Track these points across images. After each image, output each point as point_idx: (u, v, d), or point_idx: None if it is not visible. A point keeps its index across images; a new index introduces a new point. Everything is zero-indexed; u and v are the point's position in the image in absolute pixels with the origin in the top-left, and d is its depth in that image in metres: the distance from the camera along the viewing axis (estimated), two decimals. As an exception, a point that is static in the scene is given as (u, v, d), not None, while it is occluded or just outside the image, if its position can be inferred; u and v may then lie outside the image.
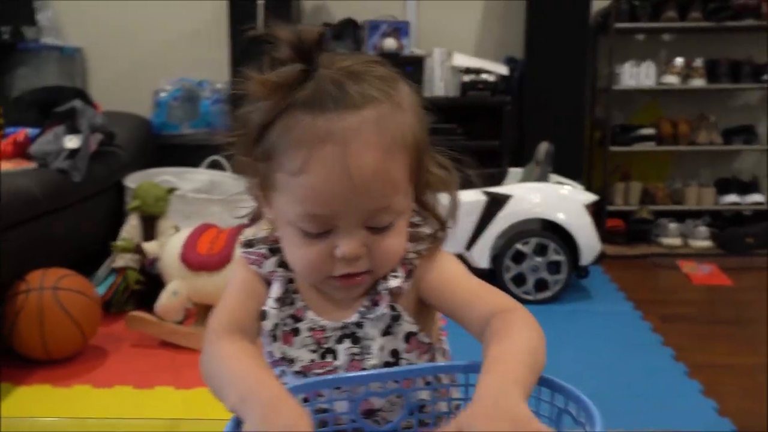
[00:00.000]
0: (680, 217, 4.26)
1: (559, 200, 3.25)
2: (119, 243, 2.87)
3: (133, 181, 3.28)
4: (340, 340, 0.79)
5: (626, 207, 4.31)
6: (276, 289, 0.80)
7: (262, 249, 0.82)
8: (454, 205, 0.82)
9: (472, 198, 3.18)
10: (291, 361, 0.79)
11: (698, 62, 4.22)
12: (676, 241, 4.13)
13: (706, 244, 4.11)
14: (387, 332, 0.78)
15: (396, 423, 0.78)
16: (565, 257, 3.16)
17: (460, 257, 3.17)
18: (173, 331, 2.64)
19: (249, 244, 0.83)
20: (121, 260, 2.91)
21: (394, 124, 0.72)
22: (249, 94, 0.72)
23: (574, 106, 4.06)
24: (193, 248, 2.60)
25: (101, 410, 2.14)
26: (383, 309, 0.77)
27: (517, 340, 0.70)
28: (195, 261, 2.57)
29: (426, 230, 0.83)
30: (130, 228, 2.98)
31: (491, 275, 3.19)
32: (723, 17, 4.08)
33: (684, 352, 2.64)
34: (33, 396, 2.25)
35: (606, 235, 4.05)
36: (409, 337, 0.79)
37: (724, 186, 4.35)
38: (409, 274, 0.79)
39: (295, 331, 0.80)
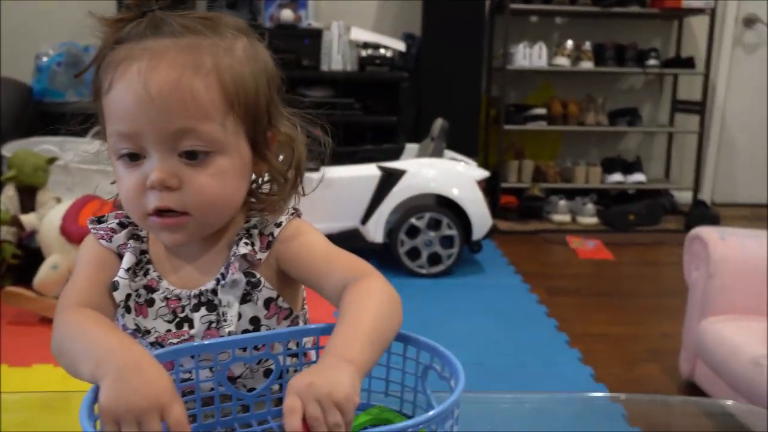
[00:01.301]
0: (570, 194, 4.43)
1: (453, 176, 3.31)
2: (-7, 215, 2.71)
3: (10, 150, 3.09)
4: (196, 309, 0.77)
5: (519, 184, 4.45)
6: (127, 260, 0.77)
7: (112, 224, 0.80)
8: (299, 163, 0.81)
9: (367, 172, 3.20)
10: (146, 333, 0.77)
11: (587, 45, 4.39)
12: (566, 218, 4.30)
13: (592, 220, 4.30)
14: (246, 300, 0.77)
15: (264, 388, 0.77)
16: (457, 232, 3.23)
17: (356, 231, 3.21)
18: (53, 306, 2.51)
19: (98, 220, 0.81)
20: (-4, 233, 2.74)
21: (210, 54, 0.71)
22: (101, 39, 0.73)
23: (470, 84, 4.14)
24: (74, 220, 2.49)
25: (-29, 389, 2.02)
26: (235, 275, 0.76)
27: (365, 312, 0.70)
28: (76, 233, 2.45)
29: (285, 203, 0.81)
30: (6, 199, 2.81)
31: (386, 249, 3.22)
32: (610, 3, 4.25)
33: (566, 322, 2.77)
34: None
35: (499, 211, 4.17)
36: (268, 303, 0.78)
37: (610, 165, 4.56)
38: (268, 246, 0.78)
39: (150, 302, 0.78)
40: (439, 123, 3.46)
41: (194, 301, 0.77)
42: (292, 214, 0.81)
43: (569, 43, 4.39)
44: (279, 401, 0.76)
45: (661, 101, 4.81)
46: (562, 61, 4.37)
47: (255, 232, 0.78)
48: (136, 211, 0.74)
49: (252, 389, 0.78)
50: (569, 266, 3.63)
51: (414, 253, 3.25)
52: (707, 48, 4.41)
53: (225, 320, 0.76)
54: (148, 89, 0.68)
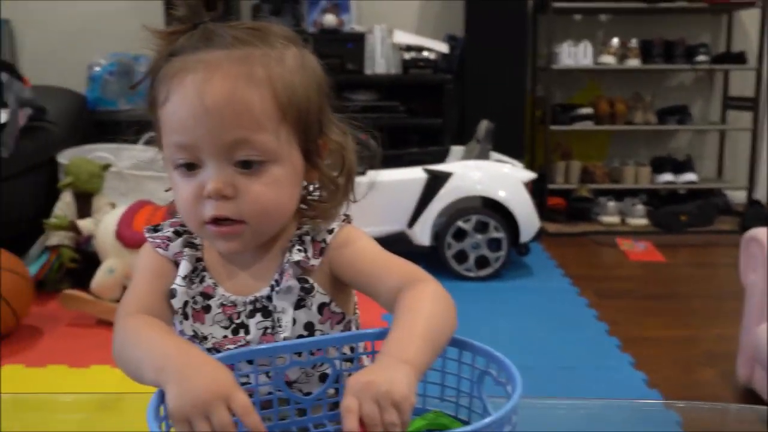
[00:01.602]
0: (618, 195, 4.36)
1: (500, 178, 3.29)
2: (52, 221, 2.79)
3: (66, 157, 3.18)
4: (251, 315, 0.78)
5: (566, 185, 4.39)
6: (183, 268, 0.79)
7: (167, 232, 0.81)
8: (350, 171, 0.82)
9: (413, 176, 3.20)
10: (204, 339, 0.78)
11: (633, 42, 4.31)
12: (614, 219, 4.23)
13: (642, 222, 4.22)
14: (300, 305, 0.78)
15: (320, 392, 0.78)
16: (505, 234, 3.21)
17: (402, 235, 3.22)
18: (110, 309, 2.58)
19: (154, 229, 0.82)
20: (55, 238, 2.83)
21: (264, 67, 0.73)
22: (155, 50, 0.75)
23: (514, 84, 4.10)
24: (129, 225, 2.55)
25: (33, 389, 2.09)
26: (289, 282, 0.77)
27: (420, 315, 0.71)
28: (131, 238, 2.52)
29: (337, 210, 0.82)
30: (64, 205, 2.90)
31: (433, 252, 3.21)
32: (657, -1, 4.18)
33: (617, 326, 2.72)
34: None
35: (547, 213, 4.12)
36: (322, 308, 0.79)
37: (660, 165, 4.47)
38: (321, 252, 0.79)
39: (206, 309, 0.79)
40: (484, 125, 3.44)
41: (249, 307, 0.79)
42: (344, 220, 0.82)
43: (615, 40, 4.33)
44: (335, 405, 0.77)
45: (711, 98, 4.69)
46: (608, 60, 4.31)
47: (307, 238, 0.80)
48: (193, 219, 0.75)
49: (308, 393, 0.78)
50: (619, 269, 3.57)
51: (461, 256, 3.24)
52: (759, 42, 4.29)
53: (280, 326, 0.78)
54: (203, 101, 0.70)
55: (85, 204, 2.92)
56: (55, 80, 3.78)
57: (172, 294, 0.78)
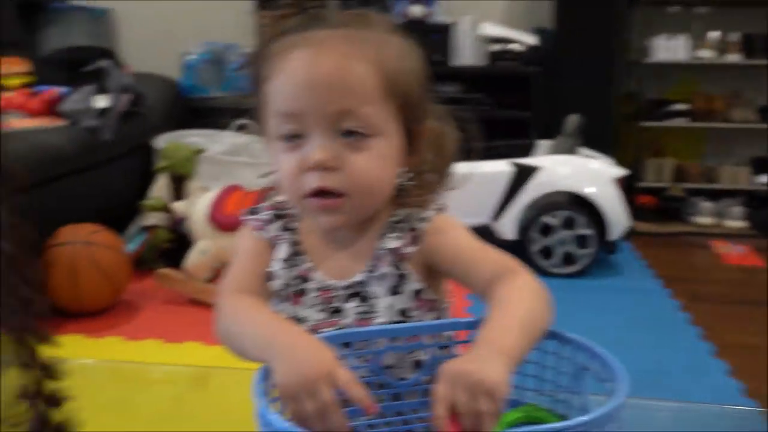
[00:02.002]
0: (713, 195, 4.18)
1: (589, 173, 3.21)
2: (149, 202, 2.91)
3: (162, 141, 3.30)
4: (347, 299, 0.79)
5: (658, 183, 4.24)
6: (282, 251, 0.80)
7: (265, 215, 0.82)
8: (448, 159, 0.82)
9: (500, 168, 3.16)
10: (300, 321, 0.79)
11: (734, 37, 4.11)
12: (709, 220, 4.06)
13: (739, 224, 4.03)
14: (395, 291, 0.79)
15: (417, 378, 0.78)
16: (593, 231, 3.13)
17: (487, 228, 3.18)
18: (201, 289, 2.67)
19: (253, 211, 0.84)
20: (151, 219, 2.95)
21: (371, 46, 0.74)
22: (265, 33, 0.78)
23: (605, 78, 3.98)
24: (221, 209, 2.63)
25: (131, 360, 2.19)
26: (385, 268, 0.78)
27: (515, 306, 0.70)
28: (223, 221, 2.59)
29: (432, 197, 0.83)
30: (159, 187, 3.01)
31: (518, 247, 3.17)
32: (762, -11, 3.96)
33: (712, 331, 2.60)
34: (65, 344, 2.30)
35: (636, 211, 3.98)
36: (416, 295, 0.80)
37: (760, 165, 4.25)
38: (415, 240, 0.79)
39: (303, 292, 0.80)
40: (574, 119, 3.36)
41: (345, 292, 0.79)
42: (439, 209, 0.82)
43: (714, 34, 4.13)
44: (427, 392, 0.77)
45: (819, 96, 4.42)
46: (706, 54, 4.12)
47: (402, 225, 0.80)
48: (295, 192, 0.76)
49: (401, 379, 0.79)
50: (714, 272, 3.42)
51: (546, 252, 3.18)
52: None
53: (375, 311, 0.78)
54: (311, 72, 0.72)
55: (179, 187, 3.02)
56: (151, 68, 3.93)
57: (270, 276, 0.80)
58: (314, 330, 0.79)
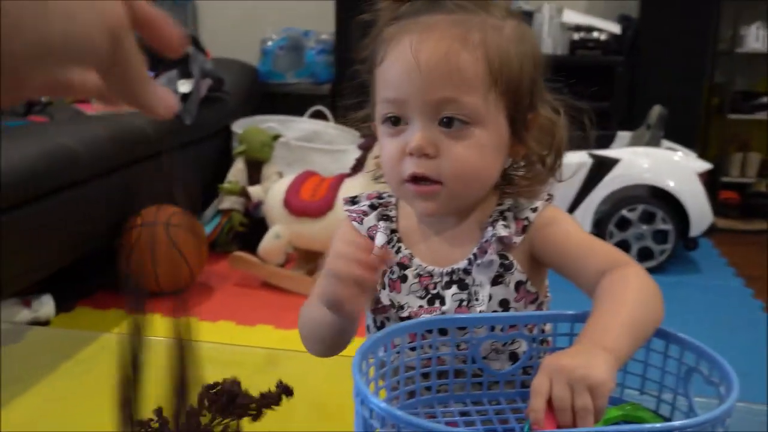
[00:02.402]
0: (801, 193, 3.99)
1: (670, 167, 3.11)
2: (226, 185, 2.96)
3: (240, 126, 3.36)
4: (447, 286, 0.78)
5: (743, 179, 4.08)
6: (380, 239, 0.80)
7: (363, 206, 0.83)
8: (559, 149, 0.80)
9: (577, 159, 3.08)
10: (400, 308, 0.79)
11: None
12: (795, 219, 3.89)
13: (827, 223, 3.84)
14: (497, 281, 0.77)
15: (516, 368, 0.77)
16: (672, 227, 3.03)
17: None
18: (274, 273, 2.71)
19: (352, 201, 0.85)
20: (227, 202, 3.00)
21: (481, 32, 0.73)
22: (376, 17, 0.78)
23: (692, 69, 3.84)
24: (296, 194, 2.65)
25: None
26: (491, 255, 0.76)
27: (624, 301, 0.68)
28: (298, 206, 2.62)
29: (541, 188, 0.81)
30: (237, 171, 3.07)
31: (593, 240, 3.10)
32: None
33: (795, 332, 2.50)
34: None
35: (719, 207, 3.84)
36: (518, 286, 0.78)
37: None
38: (523, 230, 0.78)
39: (403, 279, 0.80)
40: (657, 110, 3.25)
41: (446, 278, 0.78)
42: (547, 199, 0.80)
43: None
44: (524, 385, 0.76)
45: None
46: (800, 44, 3.92)
47: (510, 215, 0.78)
48: (394, 176, 0.76)
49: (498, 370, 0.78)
50: (800, 273, 3.27)
51: (623, 246, 3.09)
52: None
53: (477, 299, 0.77)
54: (416, 59, 0.71)
55: (255, 171, 3.07)
56: (231, 53, 4.00)
57: None
58: (413, 317, 0.79)
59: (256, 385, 1.02)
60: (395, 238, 0.81)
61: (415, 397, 0.74)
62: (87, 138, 2.47)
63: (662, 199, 3.07)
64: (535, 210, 0.78)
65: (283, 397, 0.77)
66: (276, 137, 3.12)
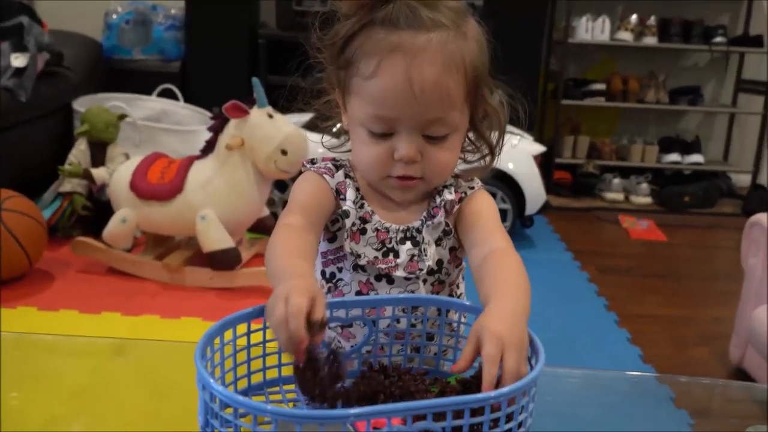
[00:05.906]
0: (624, 172, 4.39)
1: (509, 150, 3.30)
2: (67, 167, 2.82)
3: (82, 105, 3.20)
4: (402, 242, 0.89)
5: (574, 160, 4.42)
6: (351, 194, 0.89)
7: (328, 164, 0.91)
8: (501, 132, 0.92)
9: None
10: (358, 256, 0.88)
11: (652, 20, 4.29)
12: (619, 196, 4.27)
13: (646, 200, 4.26)
14: (437, 243, 0.89)
15: (358, 347, 0.84)
16: (511, 206, 3.24)
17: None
18: (121, 258, 2.64)
19: (312, 161, 0.92)
20: (69, 185, 2.87)
21: (457, 49, 0.82)
22: (339, 11, 0.84)
23: (529, 56, 4.08)
24: (143, 177, 2.58)
25: (46, 331, 2.15)
26: (440, 218, 0.88)
27: (517, 276, 0.82)
28: (145, 189, 2.55)
29: (477, 165, 0.93)
30: (78, 153, 2.93)
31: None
32: (680, -22, 4.14)
33: (616, 302, 2.78)
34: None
35: (553, 186, 4.15)
36: (451, 251, 0.90)
37: (668, 145, 4.48)
38: (460, 200, 0.89)
39: (362, 231, 0.89)
40: (496, 96, 3.44)
41: (401, 235, 0.89)
42: (482, 182, 0.93)
43: (633, 17, 4.30)
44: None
45: (725, 81, 4.69)
46: (625, 36, 4.29)
47: (452, 188, 0.90)
48: (377, 174, 0.86)
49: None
50: (621, 246, 3.62)
51: (466, 225, 3.28)
52: (777, 26, 4.27)
53: (426, 255, 0.88)
54: (412, 86, 0.80)
55: (99, 152, 2.94)
56: (71, 26, 3.78)
57: (345, 214, 0.88)
58: (370, 264, 0.88)
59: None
60: (359, 195, 0.90)
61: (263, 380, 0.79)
62: None
63: (501, 180, 3.27)
64: (472, 188, 0.91)
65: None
66: (122, 117, 3.01)
